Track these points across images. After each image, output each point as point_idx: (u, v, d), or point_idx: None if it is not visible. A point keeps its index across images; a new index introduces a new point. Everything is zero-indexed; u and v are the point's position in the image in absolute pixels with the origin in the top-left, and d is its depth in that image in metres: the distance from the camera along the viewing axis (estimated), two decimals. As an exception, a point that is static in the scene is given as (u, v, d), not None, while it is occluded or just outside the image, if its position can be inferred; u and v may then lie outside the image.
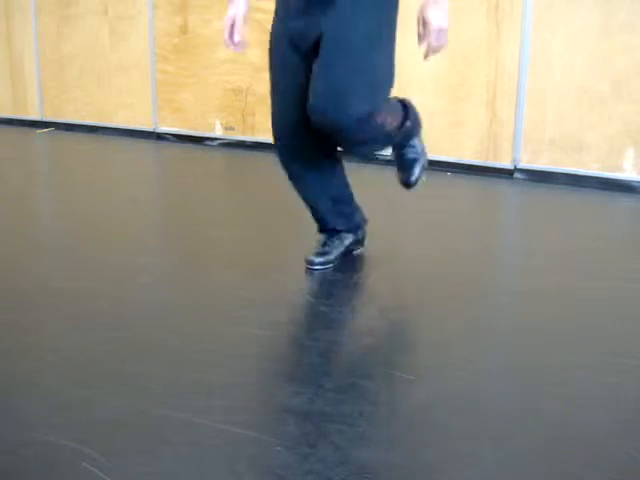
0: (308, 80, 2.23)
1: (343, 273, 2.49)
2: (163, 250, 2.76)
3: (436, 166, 4.02)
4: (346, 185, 2.57)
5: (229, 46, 2.37)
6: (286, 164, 2.47)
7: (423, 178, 2.52)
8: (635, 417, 1.62)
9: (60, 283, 2.39)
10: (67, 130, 5.35)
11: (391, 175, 3.80)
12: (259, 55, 4.52)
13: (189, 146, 4.79)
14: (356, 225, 2.61)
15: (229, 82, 4.66)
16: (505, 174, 3.90)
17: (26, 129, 5.45)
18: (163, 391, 1.71)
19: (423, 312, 2.19)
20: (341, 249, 2.56)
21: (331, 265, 2.52)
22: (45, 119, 5.49)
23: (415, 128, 2.47)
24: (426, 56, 2.22)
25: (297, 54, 2.29)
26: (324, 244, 2.56)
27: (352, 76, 2.14)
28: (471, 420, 1.61)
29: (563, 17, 3.63)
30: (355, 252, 2.65)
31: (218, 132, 4.78)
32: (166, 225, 3.12)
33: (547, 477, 1.41)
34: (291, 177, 2.50)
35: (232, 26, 2.33)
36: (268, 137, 4.72)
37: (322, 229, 2.60)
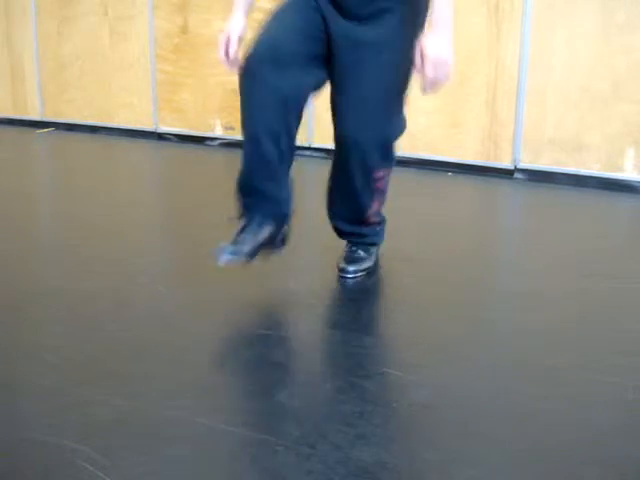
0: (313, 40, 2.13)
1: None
2: (163, 250, 2.76)
3: (436, 166, 4.03)
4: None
5: (222, 62, 2.27)
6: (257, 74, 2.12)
7: (357, 277, 2.42)
8: (635, 417, 1.62)
9: (60, 283, 2.39)
10: (67, 130, 5.35)
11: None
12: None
13: (189, 146, 4.79)
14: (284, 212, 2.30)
15: (229, 82, 4.66)
16: (505, 174, 3.90)
17: (26, 129, 5.45)
18: (163, 391, 1.71)
19: (423, 312, 2.19)
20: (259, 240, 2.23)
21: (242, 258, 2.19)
22: (45, 119, 5.49)
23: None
24: (423, 89, 2.05)
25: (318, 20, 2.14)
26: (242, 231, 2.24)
27: (383, 111, 2.18)
28: (471, 420, 1.61)
29: (563, 17, 3.63)
30: (273, 253, 2.34)
31: (218, 132, 4.78)
32: (166, 225, 3.12)
33: (547, 477, 1.41)
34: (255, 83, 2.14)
35: (227, 43, 2.24)
36: (268, 137, 4.73)
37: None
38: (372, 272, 2.46)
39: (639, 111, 3.55)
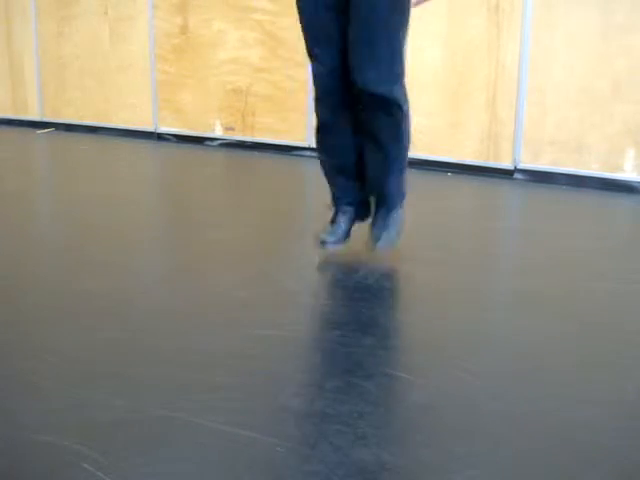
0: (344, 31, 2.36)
1: (343, 273, 2.49)
2: (163, 250, 2.76)
3: (436, 166, 4.02)
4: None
5: None
6: (328, 117, 2.51)
7: (392, 244, 2.55)
8: (635, 417, 1.62)
9: (60, 283, 2.39)
10: (67, 130, 5.35)
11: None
12: (259, 55, 4.52)
13: (189, 146, 4.79)
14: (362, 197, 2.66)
15: (229, 82, 4.66)
16: (505, 174, 3.90)
17: (26, 129, 5.45)
18: (163, 391, 1.71)
19: (423, 312, 2.19)
20: (349, 223, 2.62)
21: (341, 244, 2.58)
22: (45, 119, 5.49)
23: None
24: (415, 3, 2.32)
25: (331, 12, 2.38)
26: (334, 221, 2.60)
27: (388, 41, 2.34)
28: (471, 420, 1.61)
29: (563, 17, 3.63)
30: (364, 221, 2.66)
31: (218, 132, 4.78)
32: (166, 225, 3.12)
33: (546, 477, 1.41)
34: (331, 129, 2.54)
35: None
36: (268, 137, 4.74)
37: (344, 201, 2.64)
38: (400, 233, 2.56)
39: (639, 111, 3.55)
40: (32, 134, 5.30)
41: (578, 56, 3.64)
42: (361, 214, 2.69)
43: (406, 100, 2.47)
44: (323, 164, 2.63)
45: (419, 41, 3.88)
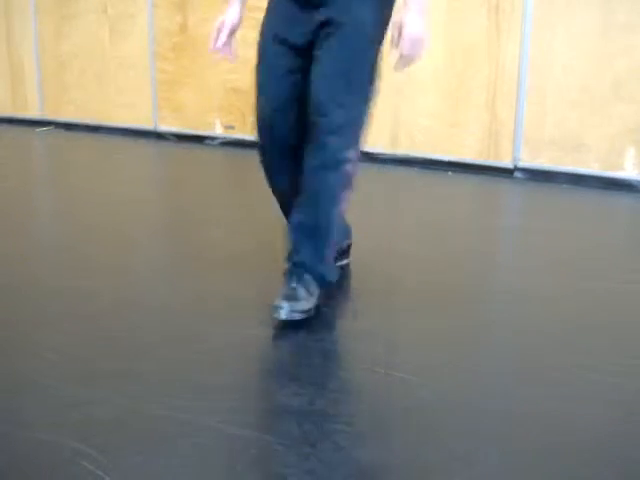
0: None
1: (343, 274, 2.49)
2: (163, 250, 2.76)
3: (436, 166, 4.02)
4: None
5: (214, 51, 2.29)
6: (270, 162, 2.31)
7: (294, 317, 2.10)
8: (635, 417, 1.62)
9: (60, 283, 2.39)
10: (67, 129, 5.35)
11: (390, 175, 3.80)
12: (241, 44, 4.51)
13: (189, 145, 4.79)
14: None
15: (229, 81, 4.65)
16: (505, 173, 3.90)
17: (26, 128, 5.44)
18: (163, 391, 1.71)
19: (423, 312, 2.19)
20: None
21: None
22: (45, 118, 5.48)
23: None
24: (397, 66, 2.04)
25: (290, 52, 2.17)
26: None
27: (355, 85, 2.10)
28: (471, 420, 1.61)
29: (563, 17, 3.63)
30: (340, 264, 2.43)
31: (218, 131, 4.78)
32: (166, 224, 3.12)
33: (547, 477, 1.41)
34: (277, 173, 2.33)
35: (218, 32, 2.27)
36: (268, 136, 4.73)
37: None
38: (311, 317, 2.09)
39: (639, 111, 3.55)
40: (32, 133, 5.30)
41: (578, 56, 3.63)
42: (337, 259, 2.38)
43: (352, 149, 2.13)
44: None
45: (419, 40, 3.87)
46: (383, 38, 2.14)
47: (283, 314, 2.03)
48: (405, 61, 2.04)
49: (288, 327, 2.06)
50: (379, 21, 2.14)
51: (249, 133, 4.64)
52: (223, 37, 2.27)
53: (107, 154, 4.63)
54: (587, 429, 1.57)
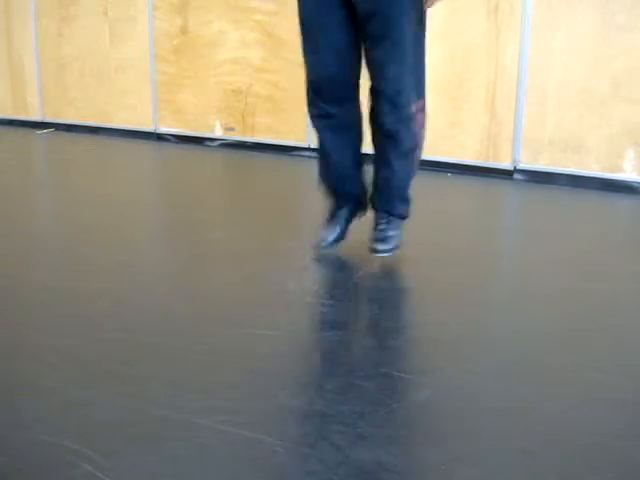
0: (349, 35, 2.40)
1: (343, 273, 2.49)
2: (163, 250, 2.76)
3: (436, 167, 4.03)
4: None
5: None
6: (323, 113, 2.54)
7: (392, 253, 2.60)
8: (635, 417, 1.62)
9: (60, 283, 2.39)
10: (67, 131, 5.35)
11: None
12: (259, 56, 4.52)
13: (189, 147, 4.79)
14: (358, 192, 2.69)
15: (229, 83, 4.66)
16: (505, 175, 3.90)
17: (26, 130, 5.45)
18: (163, 391, 1.71)
19: (423, 312, 2.19)
20: (347, 220, 2.67)
21: (338, 242, 2.65)
22: (45, 120, 5.49)
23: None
24: (428, 3, 2.34)
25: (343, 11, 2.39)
26: (331, 220, 2.67)
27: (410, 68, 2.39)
28: (471, 420, 1.61)
29: (563, 17, 3.64)
30: (360, 217, 2.71)
31: (218, 133, 4.78)
32: (166, 225, 3.12)
33: (546, 477, 1.41)
34: (327, 127, 2.56)
35: None
36: (268, 138, 4.74)
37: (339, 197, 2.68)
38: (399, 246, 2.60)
39: (639, 111, 3.55)
40: (32, 134, 5.30)
41: (578, 56, 3.64)
42: (358, 210, 2.70)
43: (416, 99, 2.46)
44: (320, 154, 2.63)
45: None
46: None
47: (379, 252, 2.56)
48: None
49: (288, 327, 2.06)
50: None
51: (249, 135, 4.66)
52: None
53: (107, 156, 4.63)
54: (587, 429, 1.57)
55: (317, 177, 2.68)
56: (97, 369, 1.82)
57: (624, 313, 2.19)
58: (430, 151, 4.05)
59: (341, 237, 2.65)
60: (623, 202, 3.50)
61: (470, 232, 3.00)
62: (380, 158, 2.55)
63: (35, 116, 5.53)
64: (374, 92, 2.44)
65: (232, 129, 4.72)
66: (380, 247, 2.56)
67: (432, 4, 2.36)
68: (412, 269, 2.55)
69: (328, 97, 2.49)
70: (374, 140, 2.55)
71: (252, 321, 2.10)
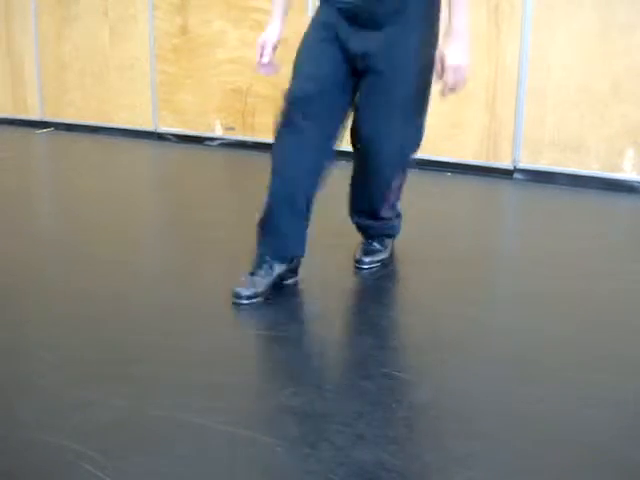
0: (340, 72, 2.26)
1: (343, 273, 2.49)
2: (163, 250, 2.76)
3: (436, 166, 4.02)
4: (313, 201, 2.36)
5: (258, 69, 2.38)
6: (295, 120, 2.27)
7: (372, 268, 2.52)
8: (635, 417, 1.62)
9: (60, 283, 2.39)
10: (67, 130, 5.35)
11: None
12: (279, 57, 4.51)
13: (189, 146, 4.79)
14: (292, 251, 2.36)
15: (229, 82, 4.66)
16: (505, 174, 3.90)
17: (26, 129, 5.45)
18: (163, 391, 1.71)
19: (423, 312, 2.19)
20: (271, 279, 2.26)
21: (259, 298, 2.22)
22: (45, 119, 5.48)
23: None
24: (442, 94, 2.19)
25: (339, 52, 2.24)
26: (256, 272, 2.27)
27: (405, 116, 2.27)
28: (471, 420, 1.61)
29: (563, 17, 3.63)
30: (287, 282, 2.34)
31: (218, 132, 4.78)
32: (166, 225, 3.12)
33: (546, 477, 1.41)
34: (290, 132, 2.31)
35: (262, 49, 2.35)
36: (268, 137, 4.72)
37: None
38: (387, 264, 2.54)
39: (639, 111, 3.55)
40: (32, 134, 5.30)
41: (578, 56, 3.64)
42: (287, 273, 2.34)
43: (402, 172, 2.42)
44: (271, 188, 2.38)
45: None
46: (432, 66, 2.24)
47: (365, 265, 2.49)
48: (450, 90, 2.17)
49: (288, 327, 2.06)
50: (425, 55, 2.25)
51: (249, 134, 4.66)
52: (267, 55, 2.34)
53: (107, 155, 4.63)
54: (587, 429, 1.57)
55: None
56: (97, 369, 1.82)
57: (624, 313, 2.19)
58: (430, 151, 4.05)
59: (259, 295, 2.22)
60: (623, 202, 3.50)
61: (470, 231, 3.00)
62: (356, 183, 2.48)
63: (35, 116, 5.53)
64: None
65: (232, 129, 4.72)
66: (364, 259, 2.51)
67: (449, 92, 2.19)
68: (412, 269, 2.55)
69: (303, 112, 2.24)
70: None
71: (252, 321, 2.10)
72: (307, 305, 2.24)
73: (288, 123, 2.27)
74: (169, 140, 4.96)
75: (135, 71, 5.01)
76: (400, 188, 2.50)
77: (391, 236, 2.62)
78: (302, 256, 2.36)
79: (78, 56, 5.23)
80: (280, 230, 2.29)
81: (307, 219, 2.33)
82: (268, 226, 2.31)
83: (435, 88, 2.25)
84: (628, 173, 3.62)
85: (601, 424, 1.59)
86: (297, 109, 2.23)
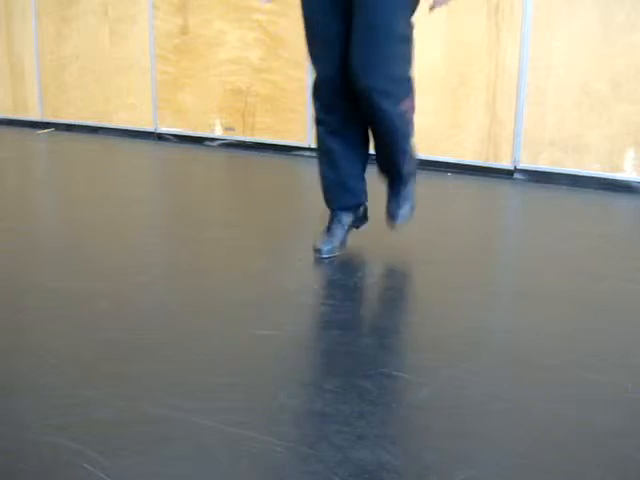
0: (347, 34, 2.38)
1: (343, 273, 2.49)
2: (163, 250, 2.76)
3: (436, 166, 4.03)
4: (366, 160, 2.69)
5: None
6: (327, 119, 2.53)
7: (408, 219, 2.68)
8: (635, 417, 1.62)
9: (60, 283, 2.39)
10: (67, 131, 5.35)
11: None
12: (259, 55, 4.52)
13: (189, 146, 4.79)
14: (359, 202, 2.69)
15: (229, 82, 4.66)
16: (505, 174, 3.90)
17: (26, 130, 5.45)
18: (163, 391, 1.71)
19: (423, 312, 2.19)
20: (344, 231, 2.65)
21: (337, 252, 2.62)
22: (45, 120, 5.49)
23: (414, 165, 2.69)
24: (431, 8, 2.32)
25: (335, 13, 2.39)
26: (329, 229, 2.64)
27: (389, 43, 2.33)
28: (470, 420, 1.61)
29: (563, 17, 3.64)
30: (360, 228, 2.74)
31: (218, 132, 4.78)
32: (166, 225, 3.12)
33: (547, 477, 1.41)
34: (329, 132, 2.55)
35: None
36: (268, 137, 4.74)
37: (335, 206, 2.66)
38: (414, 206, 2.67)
39: (639, 111, 3.55)
40: (32, 134, 5.30)
41: (578, 56, 3.64)
42: (357, 221, 2.70)
43: (404, 98, 2.42)
44: (321, 163, 2.63)
45: (419, 41, 3.87)
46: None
47: (396, 218, 2.64)
48: (439, 3, 2.32)
49: (288, 327, 2.06)
50: None
51: (249, 135, 4.67)
52: None
53: (107, 155, 4.63)
54: (587, 429, 1.57)
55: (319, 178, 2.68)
56: (97, 369, 1.82)
57: (624, 313, 2.19)
58: (430, 151, 4.06)
59: (338, 248, 2.63)
60: (623, 202, 3.50)
61: (470, 232, 3.00)
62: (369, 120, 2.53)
63: (35, 116, 5.53)
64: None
65: (232, 129, 4.72)
66: (396, 212, 2.63)
67: (438, 5, 2.35)
68: (412, 269, 2.55)
69: (324, 100, 2.51)
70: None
71: (252, 321, 2.10)
72: (307, 305, 2.24)
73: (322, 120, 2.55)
74: (169, 140, 4.96)
75: (135, 71, 5.01)
76: (411, 118, 2.50)
77: (412, 174, 2.66)
78: (364, 203, 2.70)
79: (78, 56, 5.23)
80: (344, 185, 2.62)
81: (364, 170, 2.67)
82: (333, 183, 2.63)
83: (424, 4, 2.36)
84: (628, 173, 3.63)
85: (601, 424, 1.59)
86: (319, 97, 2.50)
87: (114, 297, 2.27)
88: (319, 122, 2.57)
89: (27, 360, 1.87)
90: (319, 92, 2.50)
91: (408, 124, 2.49)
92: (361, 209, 2.70)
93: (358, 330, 2.08)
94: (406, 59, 2.40)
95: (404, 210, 2.64)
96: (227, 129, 4.75)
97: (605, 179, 3.67)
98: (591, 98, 3.64)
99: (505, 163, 3.90)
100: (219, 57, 4.67)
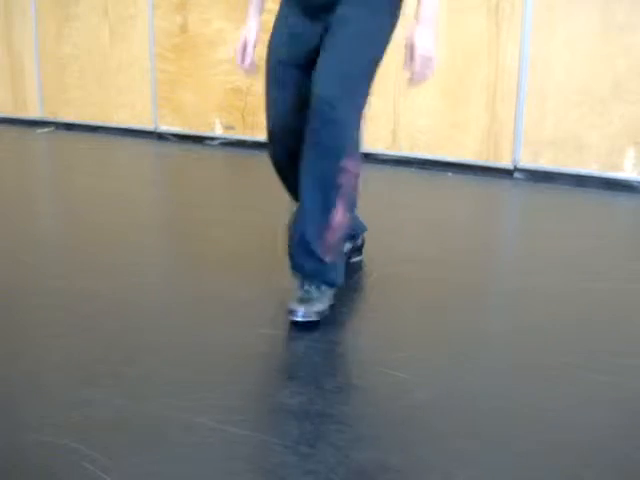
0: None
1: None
2: (163, 250, 2.76)
3: (436, 166, 4.03)
4: None
5: (240, 69, 2.43)
6: (281, 165, 2.43)
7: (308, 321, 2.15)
8: (635, 417, 1.63)
9: (60, 283, 2.39)
10: (67, 130, 5.35)
11: (390, 175, 3.81)
12: (259, 55, 4.51)
13: (189, 145, 4.79)
14: (352, 233, 2.47)
15: (229, 81, 4.66)
16: (505, 174, 3.90)
17: (26, 129, 5.45)
18: (163, 391, 1.71)
19: (423, 312, 2.19)
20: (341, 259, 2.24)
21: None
22: (45, 119, 5.49)
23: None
24: (410, 83, 2.11)
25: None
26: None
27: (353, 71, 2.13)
28: (470, 420, 1.61)
29: (563, 17, 3.64)
30: (353, 260, 2.58)
31: (218, 131, 4.78)
32: (166, 225, 3.12)
33: (547, 477, 1.41)
34: (287, 176, 2.41)
35: (244, 50, 2.40)
36: (268, 137, 4.73)
37: None
38: (323, 321, 2.12)
39: (639, 111, 3.55)
40: (32, 133, 5.30)
41: (578, 56, 3.64)
42: (354, 251, 2.59)
43: (352, 150, 2.10)
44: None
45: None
46: (386, 43, 2.17)
47: (299, 316, 2.07)
48: (417, 80, 2.09)
49: (288, 327, 2.06)
50: (383, 25, 2.17)
51: (249, 133, 4.66)
52: (249, 56, 2.41)
53: (107, 154, 4.63)
54: (587, 429, 1.57)
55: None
56: (97, 369, 1.82)
57: (624, 312, 2.19)
58: (430, 150, 4.06)
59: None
60: (623, 201, 3.50)
61: (470, 231, 3.00)
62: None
63: (35, 115, 5.53)
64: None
65: (232, 128, 4.72)
66: (298, 309, 2.08)
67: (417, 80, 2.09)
68: (412, 269, 2.55)
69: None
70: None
71: (251, 321, 2.10)
72: (307, 305, 2.24)
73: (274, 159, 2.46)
74: (169, 139, 4.96)
75: (135, 70, 5.01)
76: (350, 192, 2.12)
77: (331, 284, 2.18)
78: (363, 232, 2.57)
79: (78, 56, 5.23)
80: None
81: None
82: None
83: (404, 76, 2.23)
84: (628, 173, 3.63)
85: (601, 424, 1.59)
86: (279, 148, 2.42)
87: (114, 297, 2.27)
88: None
89: (27, 359, 1.87)
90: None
91: (345, 191, 2.10)
92: (359, 241, 2.59)
93: (358, 330, 2.08)
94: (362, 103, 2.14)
95: (309, 309, 2.10)
96: (227, 128, 4.75)
97: (605, 179, 3.67)
98: (591, 98, 3.64)
99: (505, 163, 3.90)
100: (219, 56, 4.67)
